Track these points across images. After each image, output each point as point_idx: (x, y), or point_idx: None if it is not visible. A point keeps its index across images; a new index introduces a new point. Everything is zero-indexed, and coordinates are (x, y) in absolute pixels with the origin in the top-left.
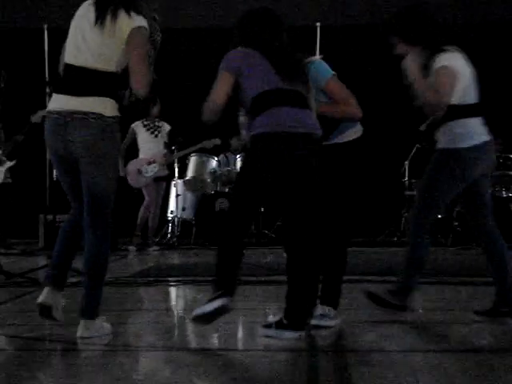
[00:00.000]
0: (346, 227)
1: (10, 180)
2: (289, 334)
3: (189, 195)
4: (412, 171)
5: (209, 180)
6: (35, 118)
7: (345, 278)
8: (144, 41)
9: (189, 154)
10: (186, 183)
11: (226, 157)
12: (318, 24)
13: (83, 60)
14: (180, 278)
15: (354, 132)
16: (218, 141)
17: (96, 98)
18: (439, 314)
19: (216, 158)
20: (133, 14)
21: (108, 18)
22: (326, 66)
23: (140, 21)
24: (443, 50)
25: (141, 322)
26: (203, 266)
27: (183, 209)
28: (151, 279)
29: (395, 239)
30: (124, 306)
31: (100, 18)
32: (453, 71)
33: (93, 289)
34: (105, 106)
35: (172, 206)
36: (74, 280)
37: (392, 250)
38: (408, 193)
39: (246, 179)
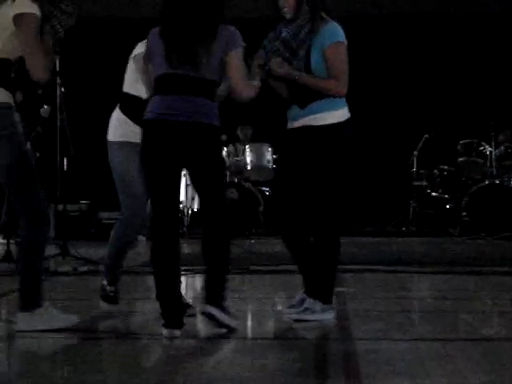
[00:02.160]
0: (335, 217)
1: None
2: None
3: None
4: (420, 161)
5: None
6: (43, 112)
7: (353, 267)
8: (28, 25)
9: None
10: None
11: (235, 147)
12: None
13: None
14: (189, 267)
15: (338, 115)
16: (223, 137)
17: None
18: (447, 304)
19: (225, 149)
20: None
21: None
22: (340, 31)
23: (23, 7)
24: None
25: (150, 311)
26: None
27: (193, 198)
28: None
29: (404, 229)
30: (133, 295)
31: None
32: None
33: (26, 279)
34: None
35: (182, 195)
36: (84, 269)
37: (400, 240)
38: (416, 183)
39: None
